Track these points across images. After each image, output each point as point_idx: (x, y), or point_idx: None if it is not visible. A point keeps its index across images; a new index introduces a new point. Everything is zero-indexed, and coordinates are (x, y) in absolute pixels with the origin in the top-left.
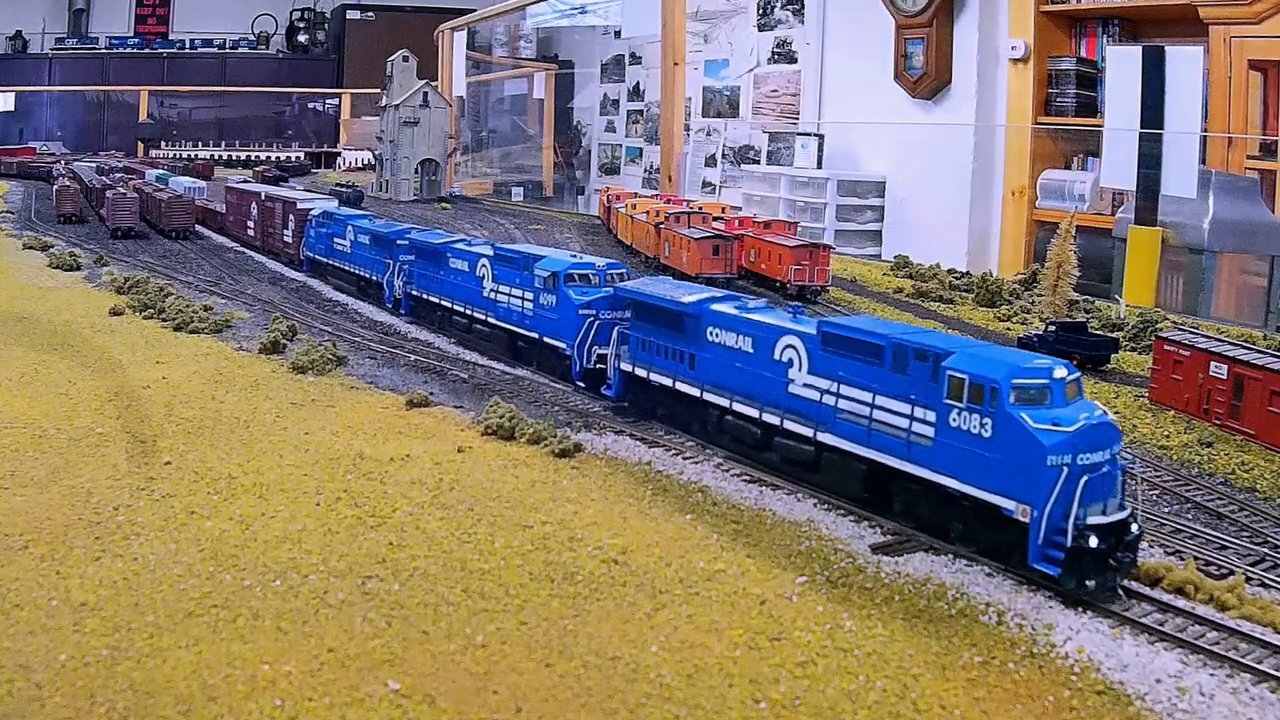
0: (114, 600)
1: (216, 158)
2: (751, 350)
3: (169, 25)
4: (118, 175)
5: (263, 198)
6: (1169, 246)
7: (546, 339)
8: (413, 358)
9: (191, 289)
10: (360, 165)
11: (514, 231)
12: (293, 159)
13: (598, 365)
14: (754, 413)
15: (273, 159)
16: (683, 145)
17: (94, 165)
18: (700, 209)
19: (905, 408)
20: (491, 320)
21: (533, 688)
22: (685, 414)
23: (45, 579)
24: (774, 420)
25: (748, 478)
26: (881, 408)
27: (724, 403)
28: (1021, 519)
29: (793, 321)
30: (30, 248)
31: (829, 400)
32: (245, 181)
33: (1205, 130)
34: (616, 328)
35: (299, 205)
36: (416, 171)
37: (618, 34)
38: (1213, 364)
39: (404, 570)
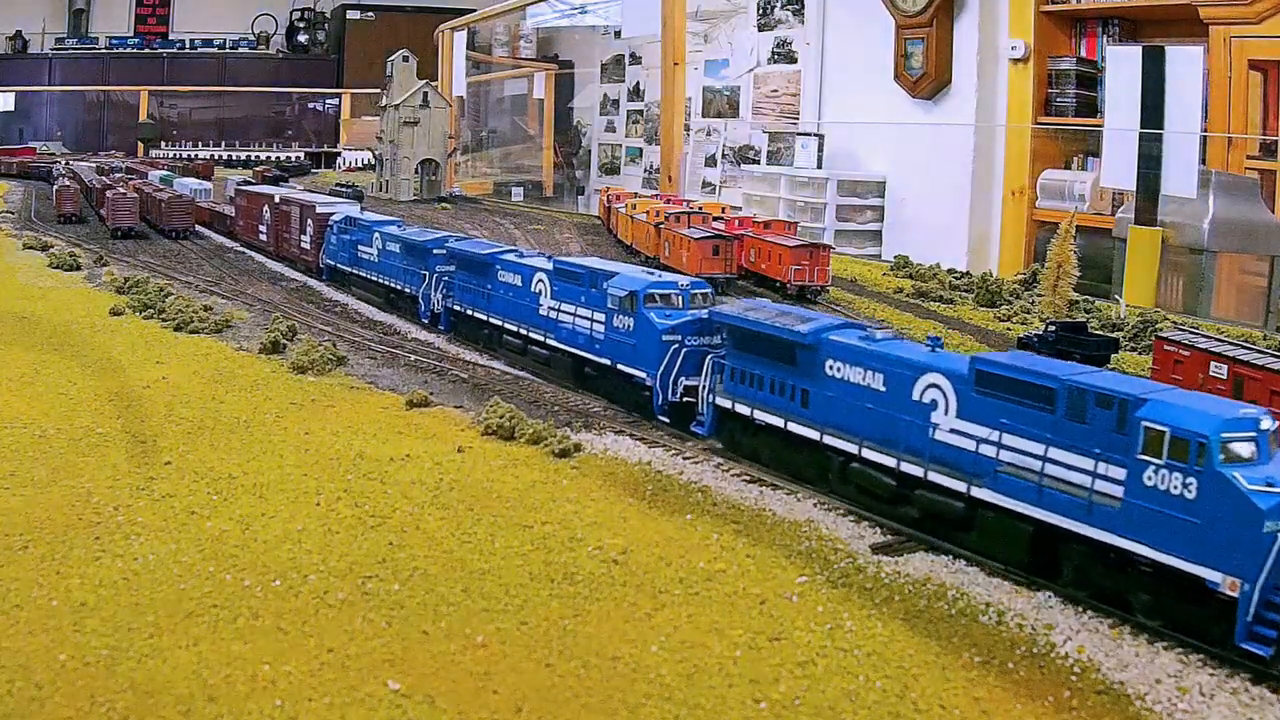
0: (114, 600)
1: (216, 158)
2: (883, 388)
3: (169, 25)
4: (118, 175)
5: (277, 201)
6: (1169, 246)
7: (621, 367)
8: (413, 358)
9: (191, 289)
10: (360, 165)
11: (514, 231)
12: (293, 159)
13: (684, 399)
14: (890, 461)
15: (273, 159)
16: (683, 145)
17: (94, 165)
18: (700, 209)
19: (1086, 462)
20: (552, 342)
21: (533, 688)
22: (797, 458)
23: (45, 579)
24: (915, 471)
25: (748, 478)
26: (1056, 461)
27: (850, 448)
28: (1229, 592)
29: (935, 356)
30: (30, 248)
31: (987, 451)
32: (247, 183)
33: (1205, 130)
34: (710, 357)
35: (319, 209)
36: (416, 171)
37: (618, 34)
38: (1213, 364)
39: (404, 570)
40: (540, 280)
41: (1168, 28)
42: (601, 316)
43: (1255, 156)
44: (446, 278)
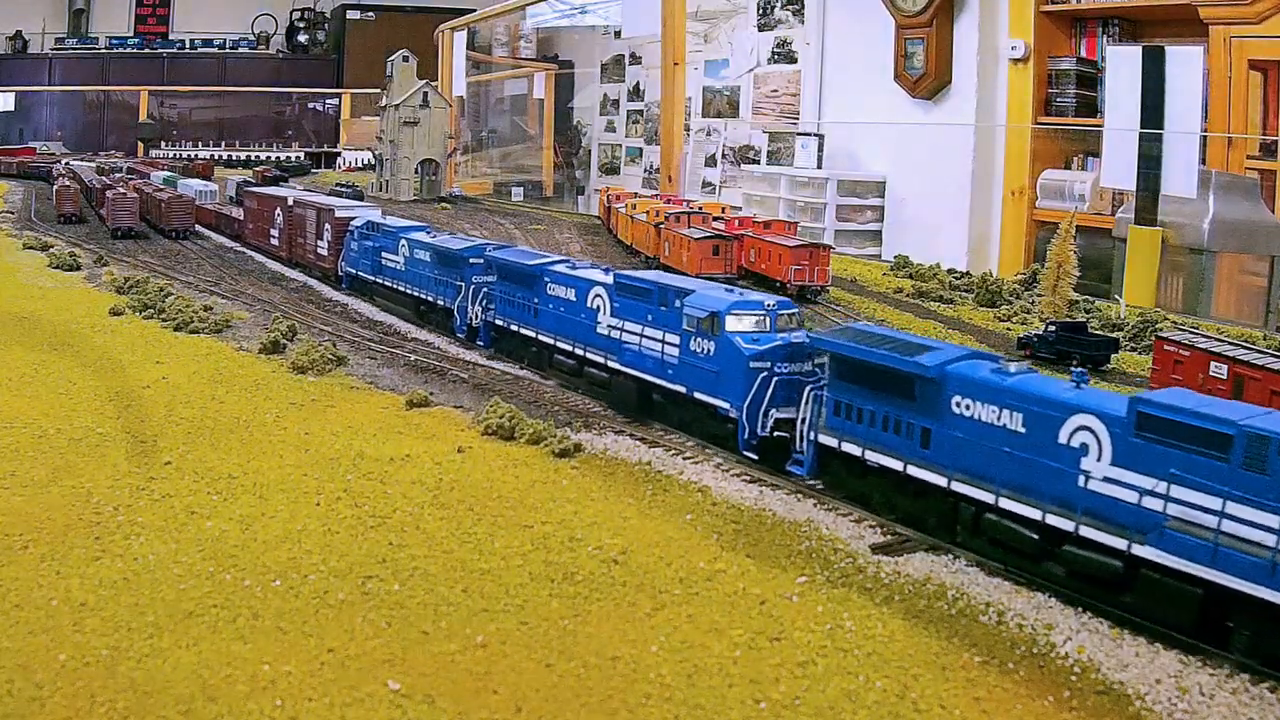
0: (114, 600)
1: (216, 158)
2: (1023, 430)
3: (169, 25)
4: (118, 176)
5: (290, 204)
6: (1169, 246)
7: (698, 395)
8: (413, 358)
9: (191, 289)
10: (360, 165)
11: (514, 231)
12: (293, 159)
13: (774, 433)
14: (1033, 513)
15: (273, 159)
16: (683, 145)
17: (94, 165)
18: (700, 209)
19: (1271, 519)
20: (613, 365)
21: (533, 688)
22: (917, 505)
23: (45, 579)
24: (1064, 524)
25: (748, 478)
26: (1234, 518)
27: (985, 496)
28: None
29: (1084, 395)
30: (30, 248)
31: (1152, 504)
32: (248, 183)
33: (1205, 130)
34: (809, 388)
35: (338, 213)
36: (416, 171)
37: (618, 34)
38: (1213, 364)
39: (404, 570)
40: (598, 295)
41: (1168, 28)
42: (675, 338)
43: (1255, 156)
44: (486, 289)
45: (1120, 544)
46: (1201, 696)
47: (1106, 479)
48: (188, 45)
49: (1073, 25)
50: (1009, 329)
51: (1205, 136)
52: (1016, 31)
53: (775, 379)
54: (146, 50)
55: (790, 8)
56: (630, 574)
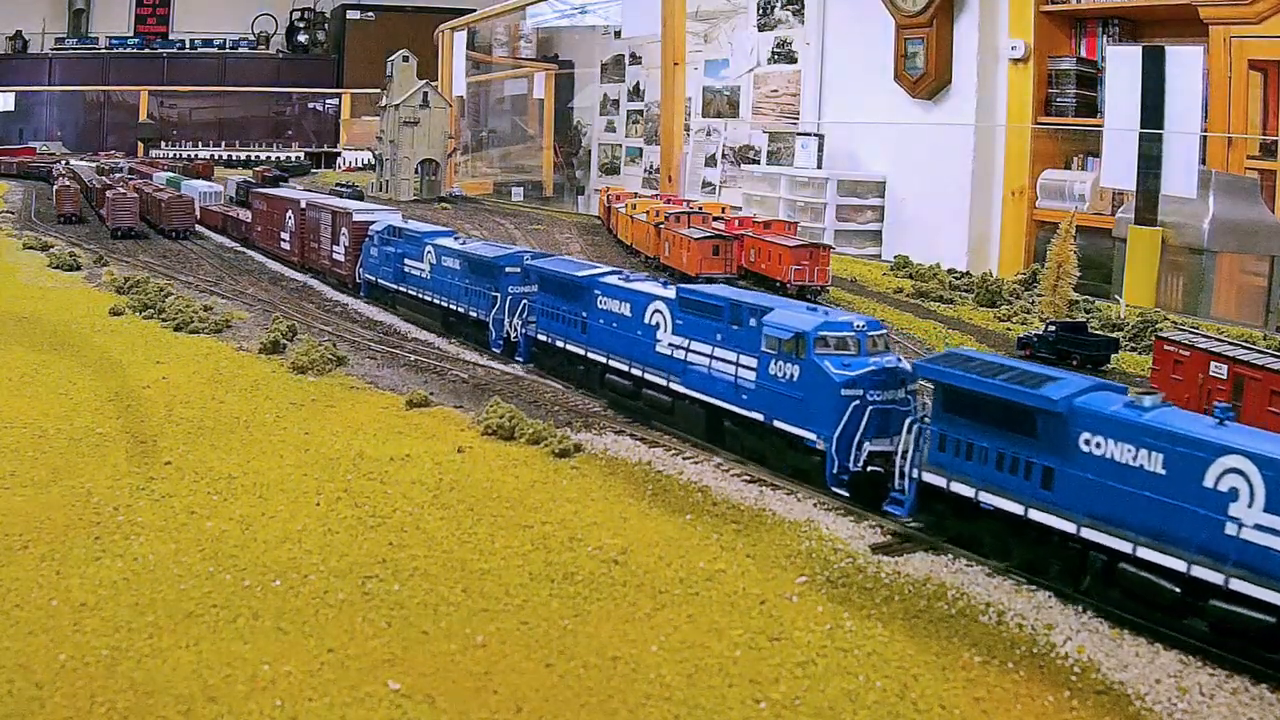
0: (114, 600)
1: (216, 158)
2: (1162, 472)
3: (169, 25)
4: (118, 176)
5: (303, 206)
6: (1169, 246)
7: (779, 424)
8: (413, 358)
9: (191, 289)
10: (360, 165)
11: (514, 231)
12: (293, 159)
13: (867, 468)
14: (1176, 564)
15: (273, 159)
16: (683, 145)
17: (94, 165)
18: (700, 209)
19: None
20: (677, 387)
21: (533, 688)
22: (1038, 551)
23: (45, 579)
24: (1211, 577)
25: (748, 478)
26: None
27: (1121, 545)
28: None
29: (1232, 434)
30: (30, 248)
31: None
32: (248, 183)
33: (1205, 130)
34: (911, 420)
35: (355, 217)
36: (416, 171)
37: (618, 34)
38: (1213, 364)
39: (404, 570)
40: (658, 311)
41: (1168, 28)
42: (752, 361)
43: (1255, 156)
44: (525, 300)
45: (1275, 598)
46: (1201, 696)
47: (1259, 526)
48: (188, 45)
49: (1073, 25)
50: (1009, 329)
51: (1205, 136)
52: (1016, 31)
53: (869, 408)
54: (146, 50)
55: (790, 8)
56: (630, 574)
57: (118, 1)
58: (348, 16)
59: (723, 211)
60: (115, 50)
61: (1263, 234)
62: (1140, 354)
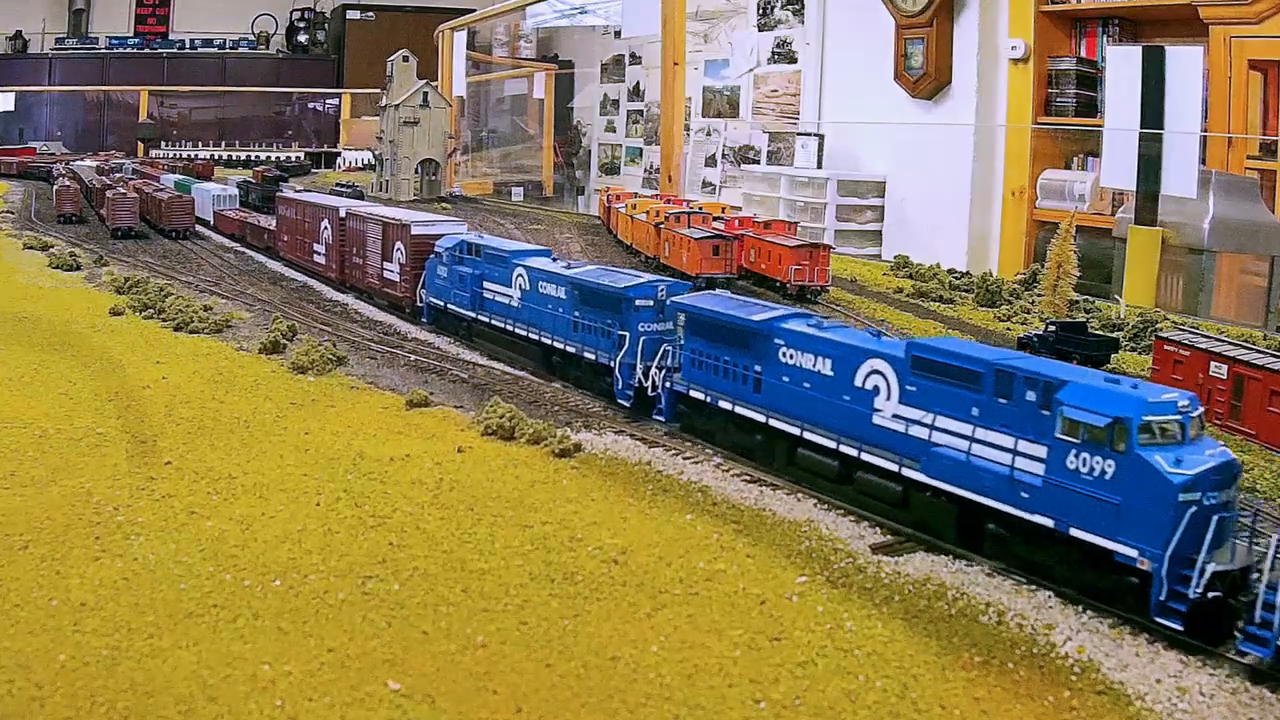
0: (114, 600)
1: (216, 158)
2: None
3: (169, 25)
4: (118, 176)
5: (343, 216)
6: (1169, 246)
7: (1079, 533)
8: (413, 358)
9: (191, 289)
10: (360, 165)
11: (514, 231)
12: (293, 159)
13: (1208, 594)
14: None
15: (273, 159)
16: (683, 145)
17: (94, 165)
18: (700, 209)
19: None
20: (914, 474)
21: (533, 688)
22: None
23: (45, 579)
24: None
25: (748, 478)
26: None
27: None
28: None
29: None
30: (30, 248)
31: None
32: (248, 182)
33: (1205, 130)
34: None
35: (415, 230)
36: (416, 171)
37: (618, 34)
38: (1213, 364)
39: (404, 570)
40: (877, 372)
41: (1168, 28)
42: (1036, 449)
43: (1255, 156)
44: (667, 345)
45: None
46: (1201, 696)
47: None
48: (188, 45)
49: (1073, 25)
50: (1009, 329)
51: (1205, 136)
52: (1016, 31)
53: (1214, 517)
54: (146, 50)
55: (790, 8)
56: (630, 574)
57: (118, 1)
58: (348, 16)
59: (723, 211)
60: (115, 50)
61: (1263, 234)
62: (1140, 354)
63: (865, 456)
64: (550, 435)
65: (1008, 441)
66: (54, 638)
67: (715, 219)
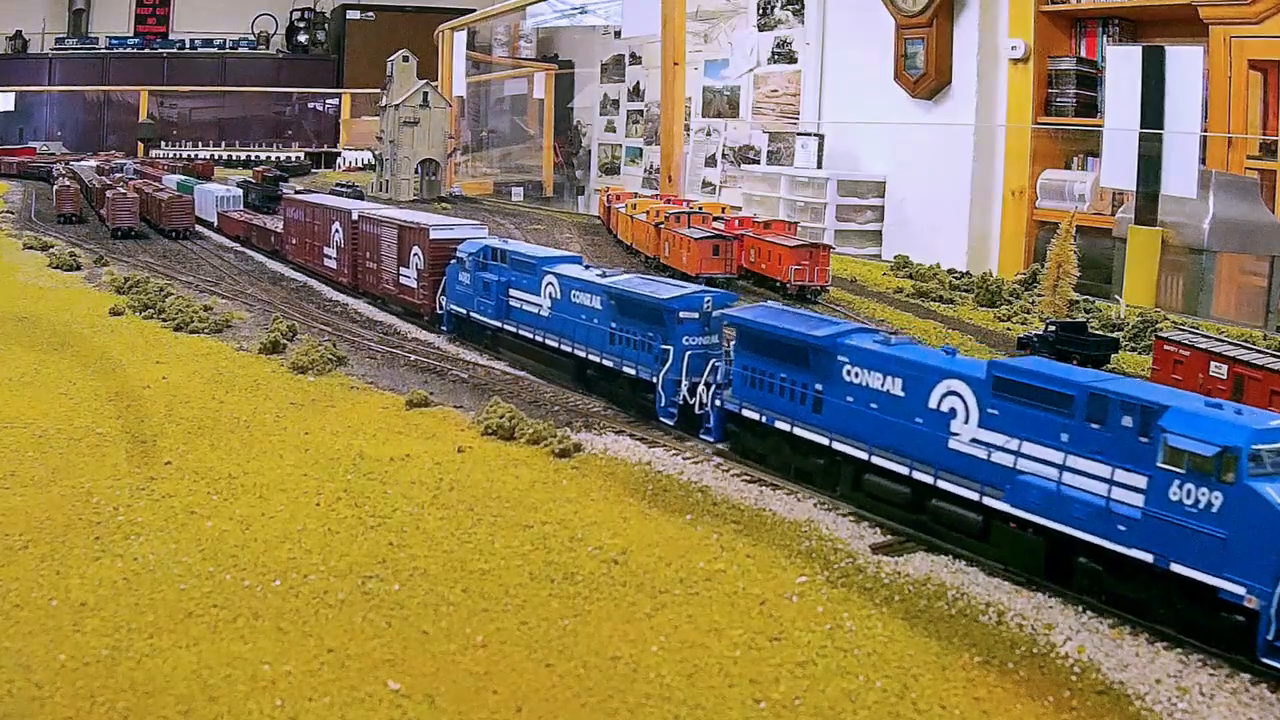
0: (114, 600)
1: (216, 158)
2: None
3: (169, 25)
4: (118, 176)
5: (356, 219)
6: (1169, 246)
7: (1181, 569)
8: (413, 358)
9: (191, 289)
10: (360, 165)
11: (514, 231)
12: (293, 159)
13: None
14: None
15: (273, 159)
16: (683, 145)
17: (94, 165)
18: (700, 209)
19: None
20: (996, 504)
21: (533, 688)
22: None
23: (45, 579)
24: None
25: (748, 478)
26: None
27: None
28: None
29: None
30: (30, 248)
31: None
32: (248, 183)
33: (1205, 130)
34: None
35: (434, 234)
36: (416, 171)
37: (618, 34)
38: (1213, 364)
39: (404, 570)
40: (954, 393)
41: (1168, 28)
42: (1135, 479)
43: (1255, 156)
44: (714, 361)
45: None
46: (1201, 696)
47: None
48: (188, 45)
49: (1073, 25)
50: (1009, 329)
51: (1205, 136)
52: (1016, 31)
53: None
54: (146, 50)
55: (790, 8)
56: (630, 574)
57: (118, 1)
58: (348, 16)
59: (723, 211)
60: (115, 50)
61: (1263, 234)
62: (1140, 354)
63: (942, 484)
64: (550, 435)
65: (1103, 471)
66: (54, 638)
67: (715, 219)
